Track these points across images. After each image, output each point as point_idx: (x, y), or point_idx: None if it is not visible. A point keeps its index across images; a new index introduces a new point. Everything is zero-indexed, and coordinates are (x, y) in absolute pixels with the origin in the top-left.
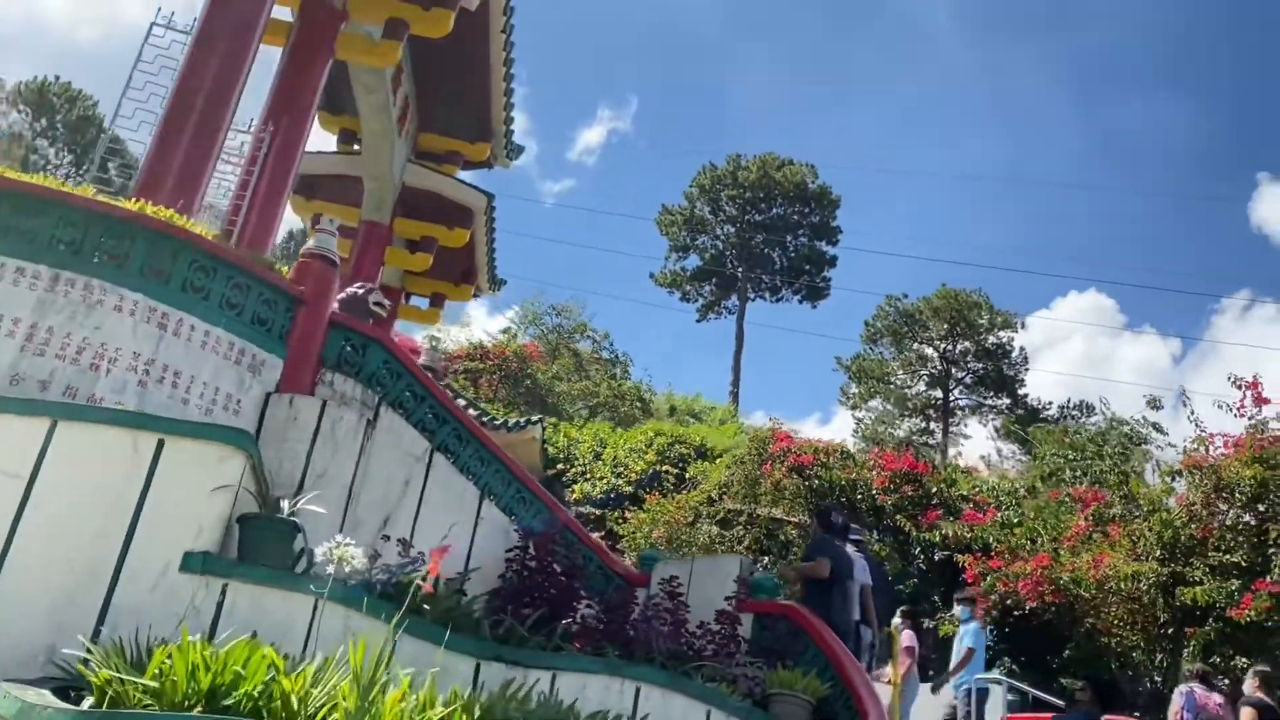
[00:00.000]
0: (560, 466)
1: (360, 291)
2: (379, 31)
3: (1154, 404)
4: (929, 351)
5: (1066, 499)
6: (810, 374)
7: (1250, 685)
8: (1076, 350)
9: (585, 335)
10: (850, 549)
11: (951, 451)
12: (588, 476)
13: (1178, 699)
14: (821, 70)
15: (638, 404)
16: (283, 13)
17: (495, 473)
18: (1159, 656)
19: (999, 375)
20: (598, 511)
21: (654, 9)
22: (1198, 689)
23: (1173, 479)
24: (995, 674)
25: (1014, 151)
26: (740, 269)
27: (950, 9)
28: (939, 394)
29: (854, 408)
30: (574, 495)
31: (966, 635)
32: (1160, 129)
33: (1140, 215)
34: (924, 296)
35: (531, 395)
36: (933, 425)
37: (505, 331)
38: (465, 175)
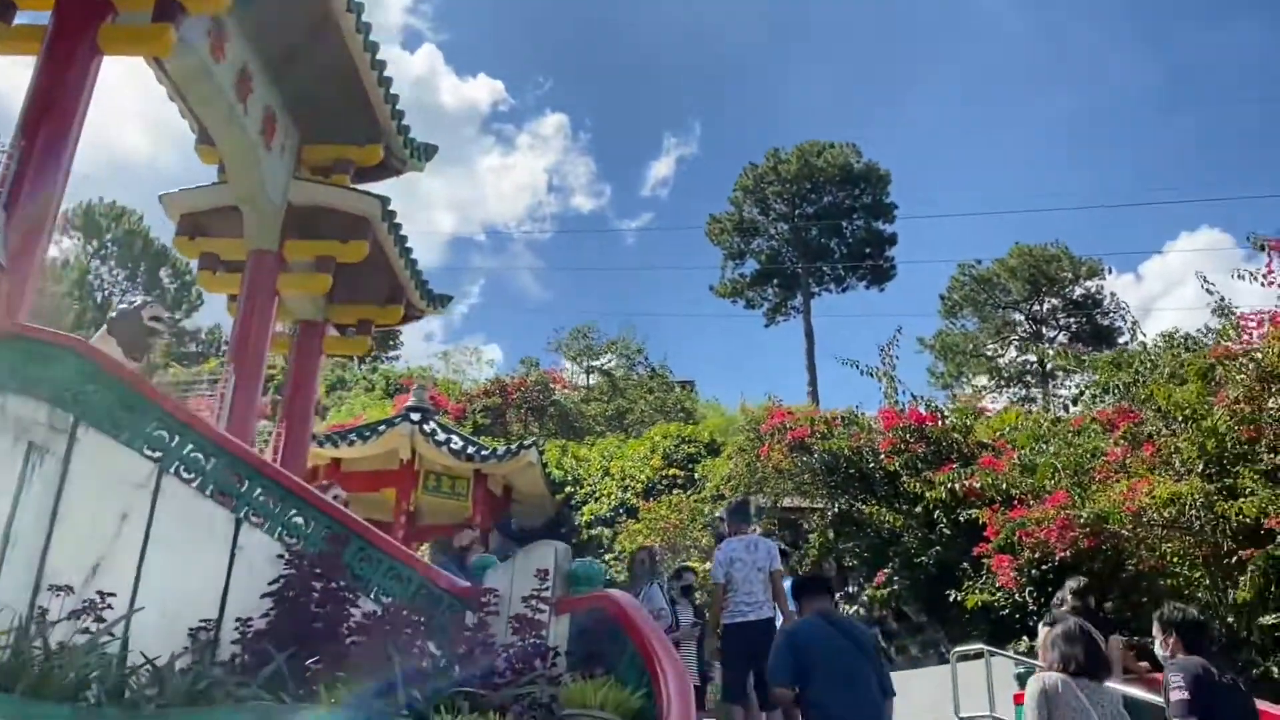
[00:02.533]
0: (569, 490)
1: (132, 305)
2: (148, 17)
3: (1222, 311)
4: (1015, 316)
5: (1092, 425)
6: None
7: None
8: (1194, 292)
9: (618, 352)
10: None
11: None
12: (596, 496)
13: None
14: (877, 58)
15: (681, 414)
16: (38, 17)
17: (261, 491)
18: (1231, 592)
19: (1094, 327)
20: (609, 531)
21: (698, 31)
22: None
23: (1204, 377)
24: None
25: (1087, 104)
26: (799, 264)
27: None
28: (1034, 358)
29: (945, 387)
30: (584, 518)
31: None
32: (1236, 51)
33: (1233, 141)
34: (998, 259)
35: (561, 422)
36: (1033, 391)
37: (524, 362)
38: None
